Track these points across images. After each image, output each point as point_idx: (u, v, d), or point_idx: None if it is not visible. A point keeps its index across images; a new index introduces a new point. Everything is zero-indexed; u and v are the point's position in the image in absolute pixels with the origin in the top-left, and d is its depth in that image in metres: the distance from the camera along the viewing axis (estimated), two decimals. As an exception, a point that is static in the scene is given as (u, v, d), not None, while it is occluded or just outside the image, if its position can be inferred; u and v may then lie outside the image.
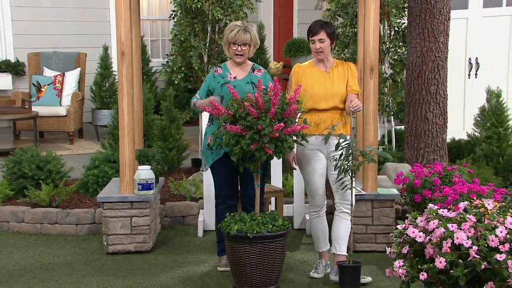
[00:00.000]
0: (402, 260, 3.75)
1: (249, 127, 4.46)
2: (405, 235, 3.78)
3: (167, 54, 8.11)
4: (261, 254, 4.54)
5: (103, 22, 11.29)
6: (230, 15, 7.50)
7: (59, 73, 9.96)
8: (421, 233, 3.68)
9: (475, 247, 3.44)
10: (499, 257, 3.40)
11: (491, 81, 7.62)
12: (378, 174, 5.62)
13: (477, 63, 8.51)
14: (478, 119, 7.16)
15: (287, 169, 6.60)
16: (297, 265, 5.26)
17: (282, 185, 6.26)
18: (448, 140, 6.98)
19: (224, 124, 4.60)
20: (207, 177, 5.88)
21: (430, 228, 3.65)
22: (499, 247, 3.44)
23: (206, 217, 6.06)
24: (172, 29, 7.81)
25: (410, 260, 3.74)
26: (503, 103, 7.02)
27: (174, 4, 7.82)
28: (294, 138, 4.60)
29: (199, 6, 7.35)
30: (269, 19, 12.65)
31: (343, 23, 7.61)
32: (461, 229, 3.55)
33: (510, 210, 3.73)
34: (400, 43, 7.57)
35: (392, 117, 7.74)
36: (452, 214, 3.70)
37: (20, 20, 10.73)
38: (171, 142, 7.37)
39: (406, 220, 3.91)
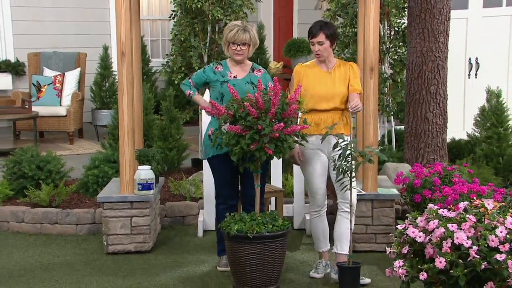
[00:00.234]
0: (402, 260, 3.75)
1: (249, 127, 4.46)
2: (405, 235, 3.78)
3: (167, 54, 8.11)
4: (261, 254, 4.54)
5: (103, 22, 11.29)
6: (230, 15, 7.50)
7: (59, 73, 9.96)
8: (421, 233, 3.68)
9: (475, 247, 3.44)
10: (499, 257, 3.40)
11: (491, 81, 7.61)
12: (378, 174, 5.63)
13: (477, 63, 8.51)
14: (478, 119, 7.15)
15: (287, 169, 6.61)
16: (297, 265, 5.26)
17: (282, 185, 6.26)
18: (448, 140, 6.98)
19: (224, 124, 4.61)
20: (207, 177, 5.88)
21: (430, 228, 3.65)
22: (499, 247, 3.44)
23: (206, 217, 6.06)
24: (172, 29, 7.81)
25: (410, 260, 3.74)
26: (503, 103, 7.02)
27: (174, 4, 7.82)
28: (295, 138, 4.60)
29: (199, 6, 7.36)
30: (269, 19, 12.65)
31: (343, 23, 7.61)
32: (461, 229, 3.55)
33: (510, 210, 3.73)
34: (400, 43, 7.57)
35: (392, 117, 7.74)
36: (452, 214, 3.70)
37: (20, 20, 10.73)
38: (171, 142, 7.37)
39: (406, 220, 3.91)
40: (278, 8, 12.81)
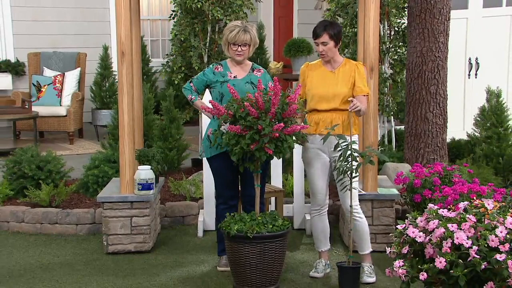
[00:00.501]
0: (402, 260, 3.75)
1: (249, 127, 4.46)
2: (405, 235, 3.78)
3: (167, 54, 8.11)
4: (261, 254, 4.54)
5: (103, 22, 11.29)
6: (230, 15, 7.50)
7: (59, 73, 9.96)
8: (421, 233, 3.68)
9: (475, 247, 3.44)
10: (499, 257, 3.40)
11: (491, 81, 7.61)
12: (378, 174, 5.63)
13: (477, 63, 8.50)
14: (478, 119, 7.15)
15: (287, 169, 6.61)
16: (297, 265, 5.25)
17: (282, 185, 6.26)
18: (448, 140, 6.98)
19: (223, 124, 4.61)
20: (207, 177, 5.88)
21: (430, 228, 3.65)
22: (499, 247, 3.44)
23: (206, 217, 6.06)
24: (172, 29, 7.81)
25: (410, 260, 3.74)
26: (503, 103, 7.02)
27: (174, 4, 7.82)
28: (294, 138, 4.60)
29: (199, 6, 7.35)
30: (269, 19, 12.65)
31: (343, 23, 7.61)
32: (461, 229, 3.55)
33: (510, 210, 3.73)
34: (400, 43, 7.57)
35: (392, 117, 7.74)
36: (452, 214, 3.70)
37: (20, 20, 10.74)
38: (171, 142, 7.37)
39: (406, 220, 3.91)
40: (278, 8, 12.81)
